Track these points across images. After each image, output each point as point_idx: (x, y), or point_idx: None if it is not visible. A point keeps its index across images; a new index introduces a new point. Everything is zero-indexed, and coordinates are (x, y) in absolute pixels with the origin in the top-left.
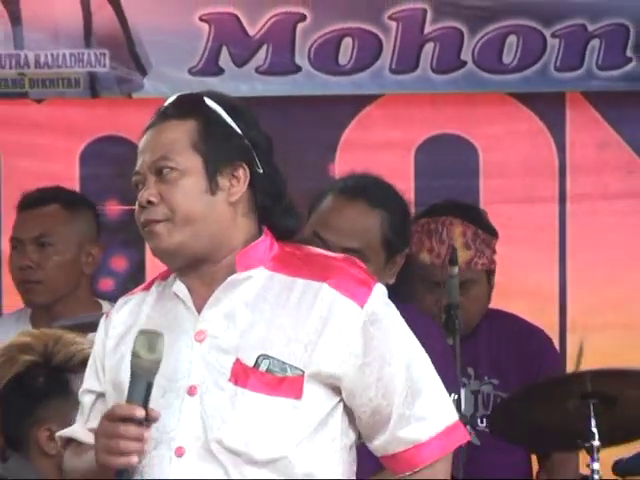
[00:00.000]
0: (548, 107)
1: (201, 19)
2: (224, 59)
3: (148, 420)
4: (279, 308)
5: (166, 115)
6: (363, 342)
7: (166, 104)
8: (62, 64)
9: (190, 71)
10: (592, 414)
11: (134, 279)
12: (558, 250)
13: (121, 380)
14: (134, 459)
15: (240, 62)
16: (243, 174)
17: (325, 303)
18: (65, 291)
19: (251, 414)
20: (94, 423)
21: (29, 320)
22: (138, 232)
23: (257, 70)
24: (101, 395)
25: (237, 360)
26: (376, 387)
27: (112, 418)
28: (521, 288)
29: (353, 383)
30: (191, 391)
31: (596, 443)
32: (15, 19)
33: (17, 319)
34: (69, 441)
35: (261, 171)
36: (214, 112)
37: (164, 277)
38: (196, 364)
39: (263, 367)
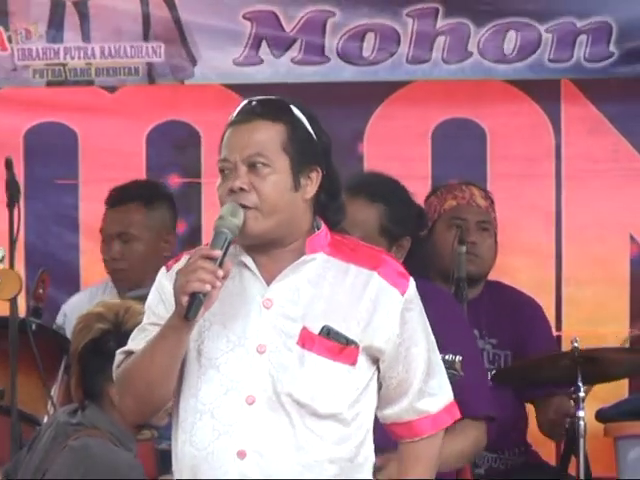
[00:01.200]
0: (544, 93)
1: (244, 17)
2: (264, 51)
3: (222, 266)
4: (336, 287)
5: (255, 114)
6: (401, 324)
7: (253, 104)
8: (123, 55)
9: (234, 61)
10: (579, 371)
11: (192, 240)
12: (554, 216)
13: None
14: (207, 287)
15: (278, 54)
16: (316, 176)
17: (375, 289)
18: (148, 275)
19: (316, 374)
20: None
21: (116, 291)
22: (196, 200)
23: (292, 60)
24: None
25: (304, 327)
26: (403, 363)
27: (194, 256)
28: (524, 247)
29: (390, 357)
30: (260, 349)
31: (582, 394)
32: (83, 16)
33: (104, 290)
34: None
35: (325, 173)
36: (299, 119)
37: None
38: (264, 327)
39: (327, 336)
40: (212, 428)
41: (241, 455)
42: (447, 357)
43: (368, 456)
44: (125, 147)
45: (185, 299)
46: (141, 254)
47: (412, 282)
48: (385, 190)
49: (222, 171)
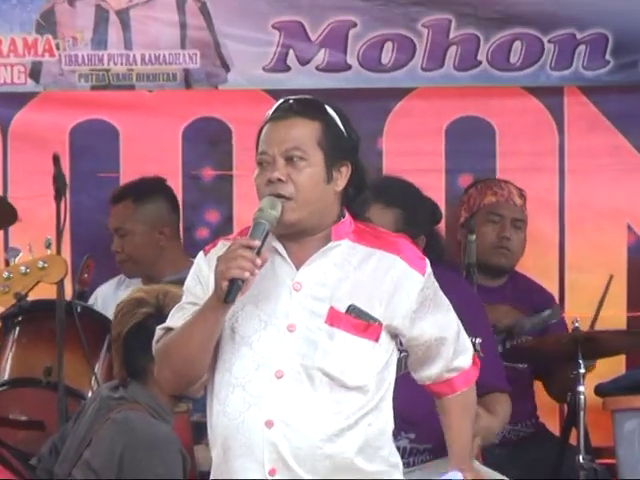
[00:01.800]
0: (549, 94)
1: (273, 27)
2: (291, 59)
3: (259, 255)
4: (360, 270)
5: (294, 111)
6: (420, 302)
7: (290, 102)
8: (162, 62)
9: (264, 68)
10: (579, 351)
11: (224, 228)
12: (558, 207)
13: None
14: (246, 274)
15: (304, 61)
16: (346, 170)
17: (397, 271)
18: (147, 263)
19: (345, 349)
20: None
21: (140, 280)
22: (228, 191)
23: (317, 68)
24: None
25: (331, 307)
26: (430, 333)
27: (235, 244)
28: (530, 236)
29: (409, 331)
30: (290, 328)
31: (582, 371)
32: (125, 25)
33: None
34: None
35: (354, 168)
36: (332, 118)
37: None
38: (294, 307)
39: (353, 314)
40: (243, 400)
41: (269, 425)
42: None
43: (388, 420)
44: (162, 143)
45: (225, 284)
46: (136, 246)
47: (428, 263)
48: (400, 195)
49: (260, 164)
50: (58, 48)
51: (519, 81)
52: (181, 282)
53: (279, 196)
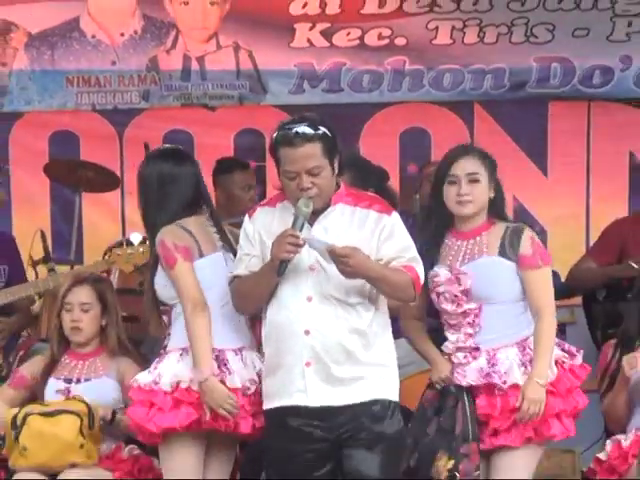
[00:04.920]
0: (465, 113)
1: (294, 65)
2: (306, 85)
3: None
4: (349, 224)
5: (305, 139)
6: (389, 234)
7: (295, 131)
8: (225, 88)
9: (289, 91)
10: None
11: (261, 199)
12: None
13: (264, 258)
14: (291, 256)
15: (314, 86)
16: (337, 163)
17: (372, 219)
18: (236, 213)
19: (345, 279)
20: (251, 268)
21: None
22: (263, 175)
23: (322, 90)
24: (254, 256)
25: None
26: (389, 255)
27: (283, 234)
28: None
29: (382, 255)
30: (311, 268)
31: None
32: (202, 65)
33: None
34: (232, 280)
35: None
36: (324, 132)
37: (282, 200)
38: (311, 254)
39: None
40: (287, 317)
41: (306, 333)
42: None
43: (387, 323)
44: (221, 143)
45: (277, 262)
46: (228, 202)
47: (395, 212)
48: (352, 161)
49: (287, 177)
50: (160, 80)
51: (450, 97)
52: (232, 225)
53: (310, 197)
